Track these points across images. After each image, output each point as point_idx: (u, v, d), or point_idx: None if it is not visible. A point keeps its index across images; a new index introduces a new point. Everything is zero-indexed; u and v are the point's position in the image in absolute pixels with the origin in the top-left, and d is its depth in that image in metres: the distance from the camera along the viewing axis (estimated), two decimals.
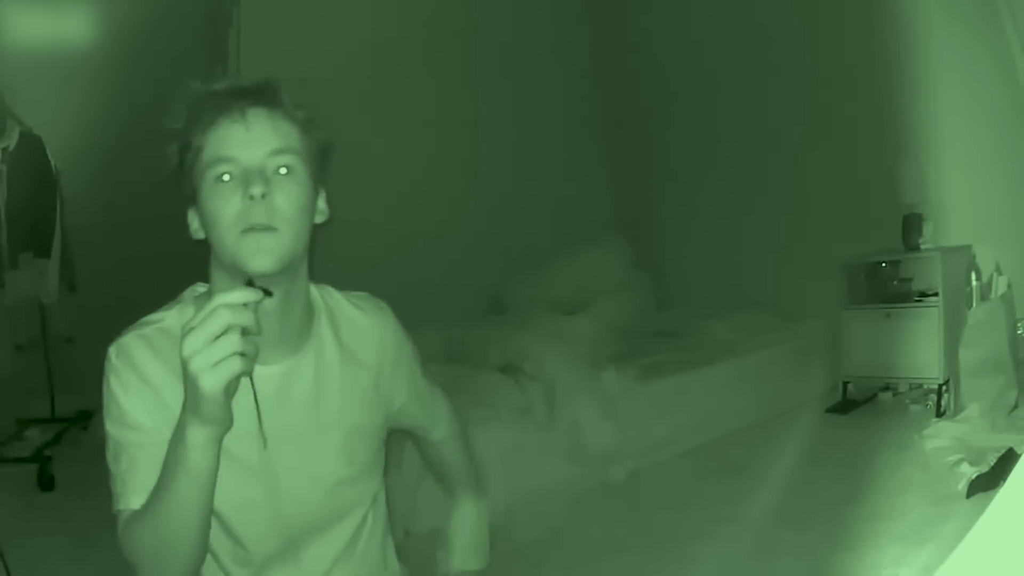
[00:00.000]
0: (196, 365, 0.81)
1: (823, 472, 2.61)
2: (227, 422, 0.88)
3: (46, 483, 3.08)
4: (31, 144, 3.34)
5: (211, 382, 0.82)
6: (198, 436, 0.86)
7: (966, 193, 3.30)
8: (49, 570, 2.31)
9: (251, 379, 0.91)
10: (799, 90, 3.76)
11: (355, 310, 1.12)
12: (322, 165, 1.03)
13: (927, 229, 3.27)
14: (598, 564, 2.19)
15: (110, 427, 0.96)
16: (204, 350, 0.81)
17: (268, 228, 0.92)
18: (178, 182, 0.98)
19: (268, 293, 0.90)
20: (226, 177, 0.93)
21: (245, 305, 0.84)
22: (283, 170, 0.95)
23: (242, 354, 0.83)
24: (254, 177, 0.92)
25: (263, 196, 0.92)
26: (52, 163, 3.44)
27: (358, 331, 1.11)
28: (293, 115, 0.99)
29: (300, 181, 0.97)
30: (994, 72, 3.08)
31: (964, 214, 3.31)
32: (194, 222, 1.00)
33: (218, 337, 0.81)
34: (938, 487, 2.34)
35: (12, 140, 3.25)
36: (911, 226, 3.26)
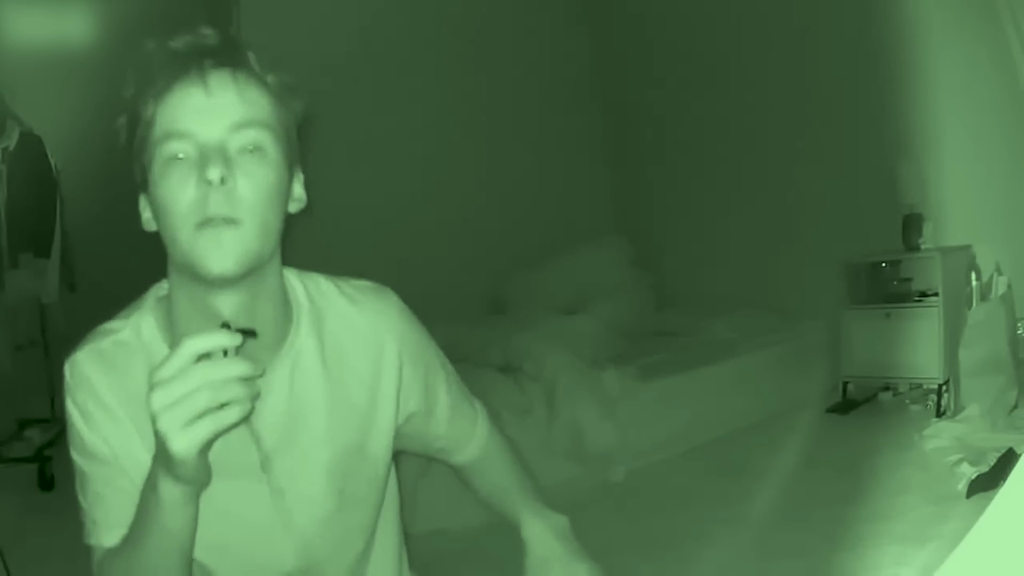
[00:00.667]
0: (164, 425, 0.68)
1: (823, 472, 2.61)
2: (205, 480, 0.75)
3: (46, 483, 3.08)
4: (31, 144, 3.33)
5: (183, 445, 0.68)
6: (172, 494, 0.74)
7: (966, 193, 3.30)
8: (49, 570, 2.30)
9: (249, 424, 0.80)
10: (799, 90, 3.76)
11: (348, 305, 0.93)
12: (301, 142, 0.86)
13: (927, 229, 3.27)
14: (598, 564, 2.18)
15: (73, 454, 0.86)
16: (174, 407, 0.68)
17: (229, 221, 0.75)
18: (128, 164, 0.83)
19: (250, 334, 0.75)
20: (180, 155, 0.76)
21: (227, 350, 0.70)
22: (249, 147, 0.77)
23: (227, 406, 0.69)
24: (213, 156, 0.74)
25: (222, 181, 0.74)
26: (52, 163, 3.44)
27: (349, 332, 0.92)
28: (263, 80, 0.80)
29: (270, 162, 0.79)
30: (994, 72, 3.07)
31: (964, 214, 3.31)
32: (146, 211, 0.84)
33: (189, 394, 0.68)
34: (938, 487, 2.34)
35: (12, 140, 3.25)
36: (911, 226, 3.26)
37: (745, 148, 4.06)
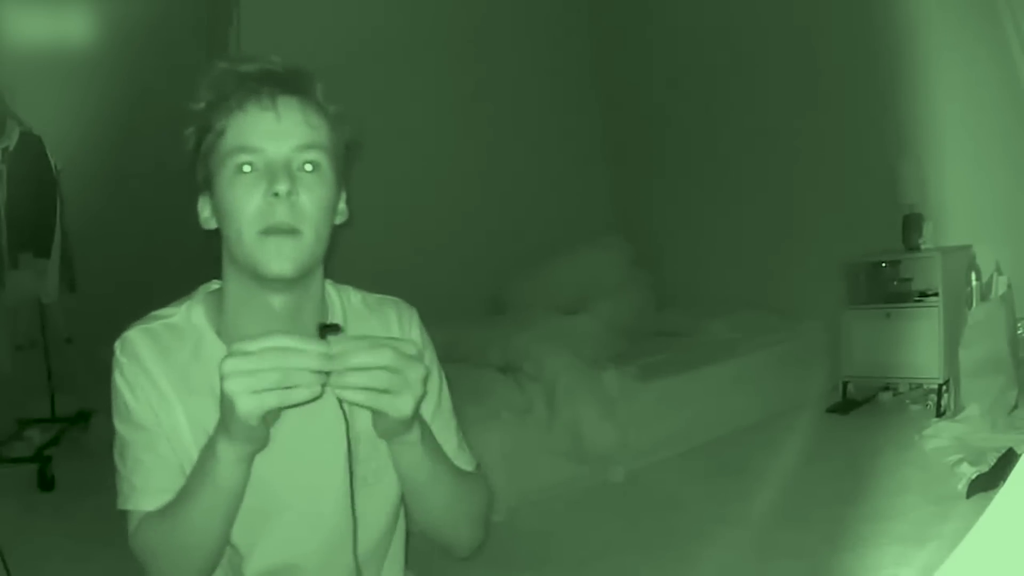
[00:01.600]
0: (233, 386, 0.76)
1: (823, 472, 2.61)
2: (261, 443, 0.84)
3: (46, 483, 3.08)
4: (31, 144, 3.33)
5: (249, 407, 0.76)
6: (228, 453, 0.83)
7: (966, 193, 3.30)
8: (49, 570, 2.31)
9: (344, 415, 0.88)
10: (799, 90, 3.76)
11: (368, 313, 1.05)
12: (347, 164, 0.96)
13: (927, 229, 3.27)
14: (598, 564, 2.19)
15: (117, 424, 0.93)
16: (246, 375, 0.76)
17: (291, 230, 0.86)
18: (191, 167, 0.92)
19: (335, 329, 0.85)
20: (247, 168, 0.87)
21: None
22: (308, 166, 0.88)
23: (294, 387, 0.77)
24: (279, 172, 0.86)
25: (288, 194, 0.86)
26: (52, 163, 3.44)
27: (365, 333, 1.02)
28: (325, 108, 0.92)
29: (326, 180, 0.90)
30: (994, 72, 3.08)
31: (964, 214, 3.32)
32: (205, 210, 0.94)
33: (263, 369, 0.76)
34: (938, 487, 2.34)
35: (12, 140, 3.25)
36: (911, 226, 3.26)
37: (745, 148, 4.06)
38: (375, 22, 4.00)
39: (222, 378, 0.76)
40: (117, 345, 0.94)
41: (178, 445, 0.91)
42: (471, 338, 3.17)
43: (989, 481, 2.23)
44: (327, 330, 0.84)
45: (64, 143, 3.57)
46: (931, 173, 3.32)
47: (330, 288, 1.04)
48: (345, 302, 1.04)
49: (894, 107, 3.31)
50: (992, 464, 2.34)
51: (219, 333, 0.95)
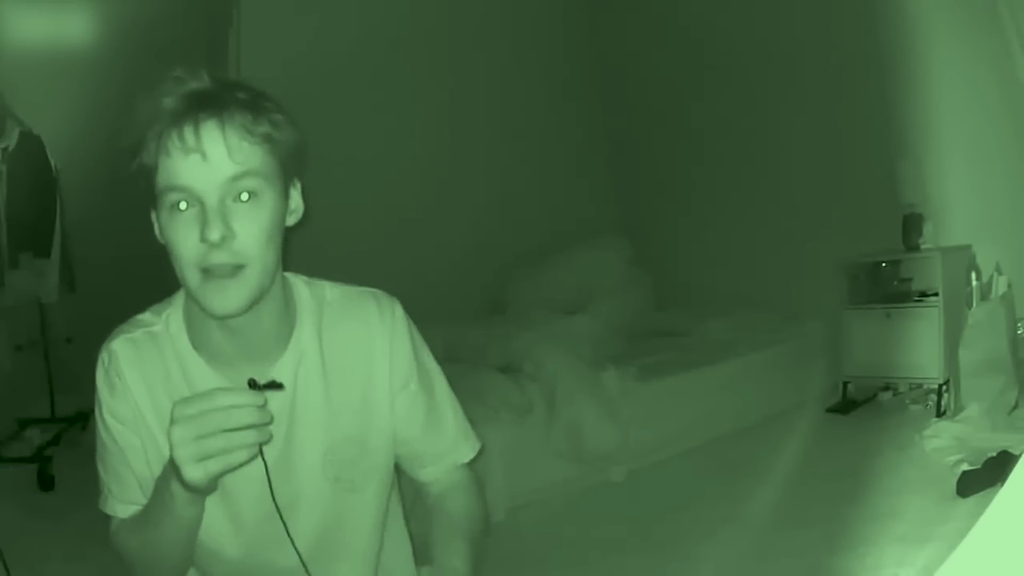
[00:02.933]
0: (181, 455, 0.78)
1: (823, 472, 2.61)
2: (211, 491, 0.86)
3: (46, 483, 3.08)
4: (31, 144, 3.34)
5: (196, 475, 0.79)
6: (182, 495, 0.85)
7: (966, 193, 3.30)
8: (49, 570, 2.31)
9: (261, 454, 0.86)
10: (799, 90, 3.76)
11: (347, 308, 1.02)
12: (297, 163, 0.93)
13: (927, 229, 3.27)
14: (598, 564, 2.19)
15: (98, 428, 0.97)
16: (190, 443, 0.78)
17: (234, 268, 0.84)
18: (135, 184, 0.89)
19: (277, 386, 0.86)
20: (182, 205, 0.84)
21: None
22: (244, 195, 0.85)
23: (237, 449, 0.80)
24: (211, 216, 0.82)
25: (222, 239, 0.83)
26: (52, 163, 3.44)
27: (346, 332, 1.01)
28: (255, 131, 0.86)
29: (265, 205, 0.87)
30: (994, 72, 3.07)
31: (964, 214, 3.31)
32: (156, 226, 0.91)
33: (206, 436, 0.78)
34: (938, 487, 2.33)
35: (12, 140, 3.25)
36: (911, 226, 3.26)
37: (745, 148, 4.06)
38: (375, 22, 4.00)
39: (171, 445, 0.79)
40: (103, 355, 0.96)
41: (154, 456, 0.94)
42: (471, 338, 3.17)
43: (981, 480, 2.23)
44: (266, 387, 0.85)
45: (64, 143, 3.57)
46: (931, 173, 3.32)
47: (301, 285, 1.01)
48: (319, 299, 1.01)
49: (894, 107, 3.31)
50: (984, 462, 2.34)
51: (193, 342, 0.96)
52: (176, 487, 0.83)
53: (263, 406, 0.81)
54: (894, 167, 3.36)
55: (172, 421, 0.79)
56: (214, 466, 0.79)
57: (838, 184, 3.62)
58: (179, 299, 0.99)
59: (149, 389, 0.94)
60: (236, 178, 0.84)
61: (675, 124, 4.45)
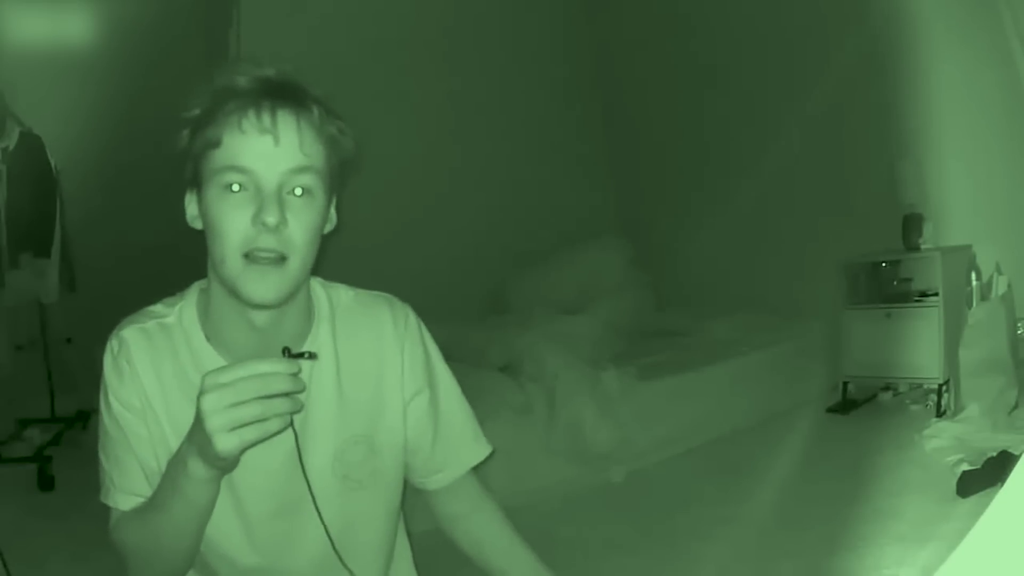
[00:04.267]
0: (213, 424, 0.76)
1: (823, 472, 2.61)
2: (232, 467, 0.85)
3: (46, 483, 3.08)
4: (31, 144, 3.34)
5: (230, 445, 0.77)
6: (200, 472, 0.83)
7: (966, 193, 3.30)
8: (49, 570, 2.31)
9: (293, 427, 0.86)
10: (799, 90, 3.76)
11: (361, 311, 1.03)
12: (341, 178, 0.95)
13: (927, 229, 3.26)
14: (598, 564, 2.19)
15: (103, 416, 0.95)
16: (224, 412, 0.76)
17: (277, 258, 0.84)
18: (181, 162, 0.90)
19: (311, 356, 0.85)
20: (236, 187, 0.84)
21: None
22: (299, 191, 0.86)
23: (270, 418, 0.78)
24: (269, 200, 0.83)
25: (276, 225, 0.83)
26: (52, 163, 3.44)
27: (359, 334, 1.02)
28: (324, 130, 0.88)
29: (317, 204, 0.88)
30: (994, 72, 3.07)
31: (964, 214, 3.31)
32: (192, 207, 0.92)
33: (242, 404, 0.76)
34: (938, 487, 2.33)
35: (12, 140, 3.25)
36: (911, 226, 3.26)
37: (745, 148, 4.06)
38: (375, 21, 4.00)
39: (202, 415, 0.76)
40: (113, 342, 0.94)
41: (161, 448, 0.92)
42: (471, 338, 3.17)
43: (981, 480, 2.23)
44: (298, 356, 0.83)
45: (64, 143, 3.57)
46: (931, 173, 3.32)
47: (318, 287, 1.02)
48: (334, 301, 1.02)
49: (894, 107, 3.31)
50: (984, 462, 2.34)
51: (207, 336, 0.95)
52: (194, 465, 0.81)
53: (298, 374, 0.80)
54: (894, 167, 3.36)
55: (203, 391, 0.76)
56: (249, 434, 0.77)
57: (838, 184, 3.62)
58: (192, 293, 0.98)
59: (159, 379, 0.92)
60: (298, 170, 0.85)
61: (675, 124, 4.45)
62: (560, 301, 4.00)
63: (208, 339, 0.95)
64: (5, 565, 2.05)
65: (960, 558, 0.58)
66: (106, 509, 0.99)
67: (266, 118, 0.83)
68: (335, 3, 3.88)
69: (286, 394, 0.79)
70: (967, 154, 3.25)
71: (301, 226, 0.86)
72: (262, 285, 0.85)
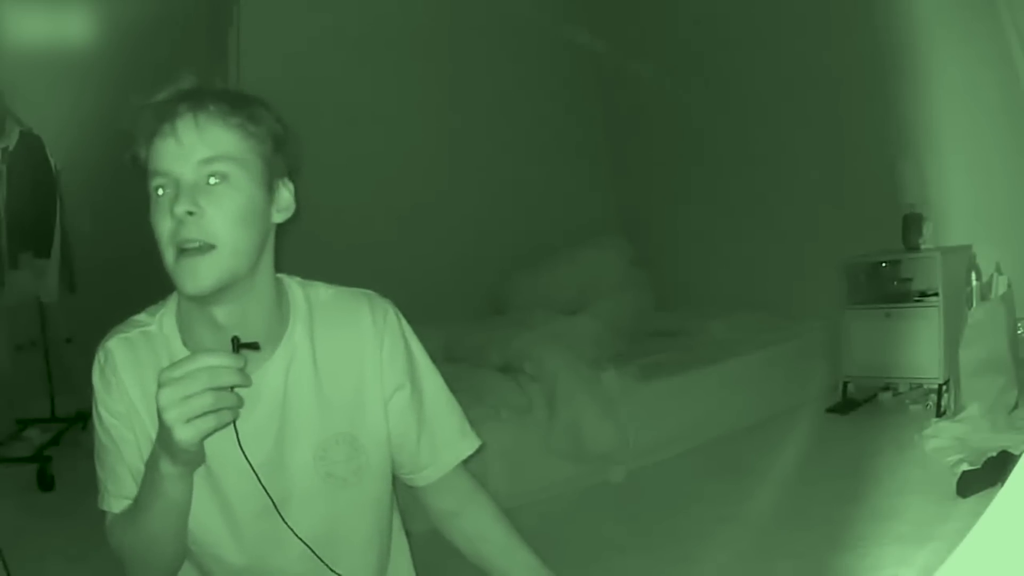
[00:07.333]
0: (171, 417, 0.82)
1: (823, 472, 2.61)
2: (199, 461, 0.90)
3: (46, 483, 3.08)
4: (31, 144, 3.34)
5: (187, 436, 0.82)
6: (170, 470, 0.88)
7: (966, 193, 3.30)
8: (49, 570, 2.31)
9: (235, 426, 0.90)
10: (799, 89, 3.76)
11: (340, 309, 1.04)
12: (284, 157, 0.97)
13: (927, 229, 3.27)
14: (598, 564, 2.19)
15: (96, 426, 1.00)
16: (180, 404, 0.81)
17: (204, 247, 0.88)
18: (140, 185, 0.95)
19: (253, 347, 0.91)
20: (160, 191, 0.90)
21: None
22: (213, 179, 0.89)
23: (222, 409, 0.84)
24: (183, 193, 0.88)
25: (190, 214, 0.87)
26: (52, 163, 3.44)
27: (338, 332, 1.03)
28: (226, 120, 0.91)
29: (239, 188, 0.90)
30: (994, 72, 3.07)
31: (964, 214, 3.31)
32: None
33: (194, 395, 0.81)
34: (938, 487, 2.34)
35: (12, 140, 3.25)
36: (911, 226, 3.26)
37: (745, 148, 4.06)
38: (375, 22, 4.00)
39: (160, 410, 0.82)
40: (100, 354, 0.99)
41: (147, 448, 0.95)
42: (471, 338, 3.17)
43: (981, 480, 2.23)
44: (245, 347, 0.90)
45: (64, 143, 3.57)
46: (931, 173, 3.32)
47: (296, 286, 1.04)
48: (312, 299, 1.04)
49: (894, 107, 3.31)
50: (984, 462, 2.34)
51: (184, 341, 0.99)
52: (165, 464, 0.87)
53: (243, 369, 0.85)
54: (894, 167, 3.36)
55: (159, 386, 0.82)
56: (205, 424, 0.82)
57: (838, 184, 3.62)
58: (172, 301, 1.01)
59: (142, 386, 0.96)
60: (207, 160, 0.89)
61: (675, 124, 4.45)
62: (560, 301, 4.00)
63: (185, 343, 0.98)
64: (5, 565, 2.05)
65: (960, 558, 0.58)
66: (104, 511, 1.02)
67: (167, 124, 0.89)
68: (335, 3, 3.88)
69: (234, 386, 0.84)
70: (967, 154, 3.25)
71: (221, 212, 0.89)
72: (193, 275, 0.88)
